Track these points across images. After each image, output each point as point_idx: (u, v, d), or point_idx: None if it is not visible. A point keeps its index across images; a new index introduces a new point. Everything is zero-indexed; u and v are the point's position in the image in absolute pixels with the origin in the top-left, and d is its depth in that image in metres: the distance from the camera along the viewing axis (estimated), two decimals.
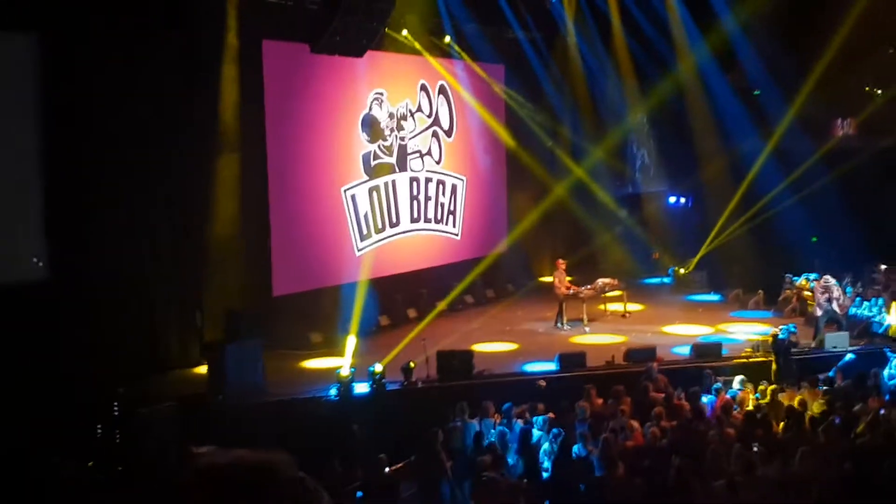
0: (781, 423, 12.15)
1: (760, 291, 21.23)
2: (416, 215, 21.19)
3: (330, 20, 16.32)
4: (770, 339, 15.91)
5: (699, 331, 18.85)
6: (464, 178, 22.53)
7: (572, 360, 15.76)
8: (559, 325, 19.31)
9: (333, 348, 16.66)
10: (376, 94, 19.78)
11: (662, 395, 13.38)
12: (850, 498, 9.41)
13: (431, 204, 21.62)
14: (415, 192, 21.10)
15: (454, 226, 22.41)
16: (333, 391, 14.31)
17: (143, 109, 15.40)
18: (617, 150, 25.93)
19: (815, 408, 12.49)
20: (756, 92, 24.28)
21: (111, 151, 14.88)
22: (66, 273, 14.23)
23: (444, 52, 21.38)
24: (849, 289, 19.48)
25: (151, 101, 15.53)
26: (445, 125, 21.95)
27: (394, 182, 20.43)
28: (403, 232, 20.88)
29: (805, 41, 21.84)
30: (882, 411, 11.89)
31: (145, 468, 11.90)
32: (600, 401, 13.25)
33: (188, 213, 16.45)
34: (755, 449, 10.39)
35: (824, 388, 13.73)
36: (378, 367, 14.54)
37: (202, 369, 15.41)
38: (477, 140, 22.78)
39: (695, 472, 9.88)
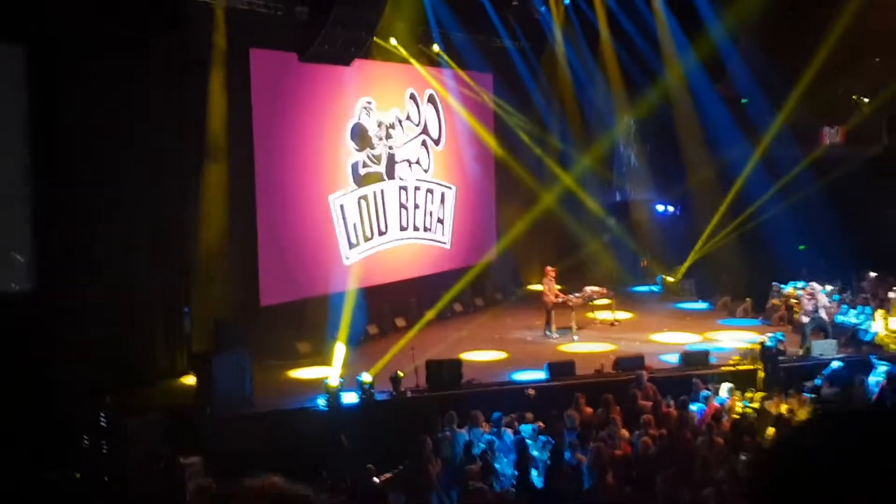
0: (769, 431, 12.18)
1: (748, 299, 21.25)
2: (404, 224, 21.18)
3: (318, 29, 16.31)
4: (758, 347, 15.94)
5: (687, 339, 18.88)
6: (452, 187, 22.53)
7: (561, 368, 15.77)
8: (548, 333, 19.31)
9: (321, 358, 16.63)
10: (365, 102, 19.77)
11: (651, 403, 13.39)
12: None
13: (420, 213, 21.61)
14: (403, 201, 21.09)
15: (443, 234, 22.41)
16: (322, 401, 14.27)
17: (131, 118, 15.38)
18: (605, 159, 25.98)
19: (803, 416, 12.51)
20: (743, 100, 24.33)
21: (98, 160, 14.84)
22: (53, 282, 14.18)
23: (432, 61, 21.40)
24: (835, 296, 19.53)
25: (139, 109, 15.52)
26: (434, 134, 21.96)
27: (382, 191, 20.41)
28: (392, 241, 20.86)
29: (792, 50, 21.93)
30: None
31: (132, 479, 11.84)
32: (589, 409, 13.26)
33: (175, 222, 16.41)
34: (742, 457, 10.40)
35: (811, 395, 13.76)
36: (367, 377, 14.51)
37: (190, 379, 15.36)
38: (465, 148, 22.79)
39: (683, 480, 9.89)
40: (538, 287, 21.23)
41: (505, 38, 23.16)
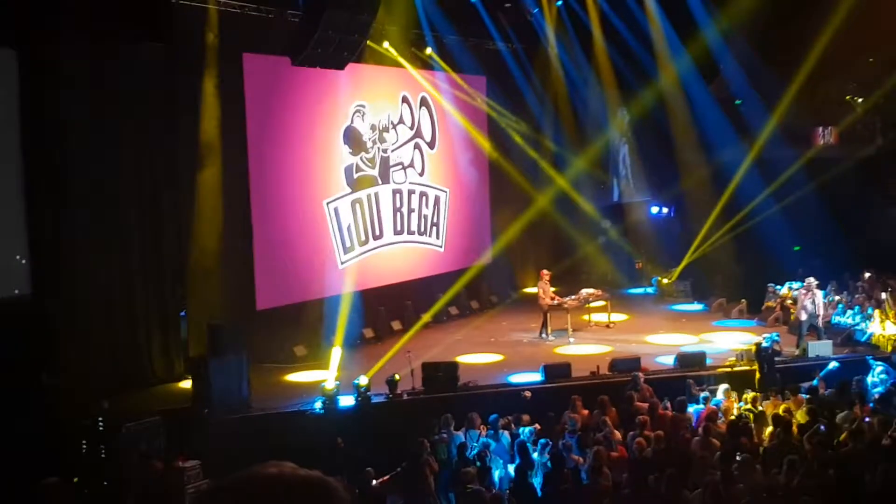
0: (767, 431, 12.20)
1: (743, 300, 21.28)
2: (399, 227, 21.17)
3: (311, 32, 16.29)
4: (754, 347, 15.96)
5: (683, 340, 18.90)
6: (447, 190, 22.53)
7: (557, 370, 15.78)
8: (544, 335, 19.32)
9: (318, 361, 16.62)
10: (358, 106, 19.76)
11: (647, 404, 13.39)
12: None
13: (415, 216, 21.61)
14: (398, 205, 21.09)
15: (438, 237, 22.40)
16: (318, 404, 14.26)
17: (125, 123, 15.39)
18: (599, 161, 26.01)
19: (800, 416, 12.53)
20: (737, 101, 24.38)
21: (92, 165, 14.84)
22: (49, 288, 14.16)
23: (425, 64, 21.39)
24: (831, 296, 19.55)
25: (133, 114, 15.51)
26: (428, 137, 21.96)
27: (377, 194, 20.41)
28: (387, 244, 20.85)
29: (786, 51, 21.97)
30: (867, 419, 11.94)
31: (131, 483, 11.82)
32: (586, 411, 13.27)
33: (170, 227, 16.40)
34: (739, 458, 10.40)
35: (807, 396, 13.77)
36: (363, 380, 14.50)
37: (186, 383, 15.35)
38: (459, 151, 22.80)
39: (681, 481, 9.89)
40: (533, 290, 21.24)
41: (498, 41, 23.18)
